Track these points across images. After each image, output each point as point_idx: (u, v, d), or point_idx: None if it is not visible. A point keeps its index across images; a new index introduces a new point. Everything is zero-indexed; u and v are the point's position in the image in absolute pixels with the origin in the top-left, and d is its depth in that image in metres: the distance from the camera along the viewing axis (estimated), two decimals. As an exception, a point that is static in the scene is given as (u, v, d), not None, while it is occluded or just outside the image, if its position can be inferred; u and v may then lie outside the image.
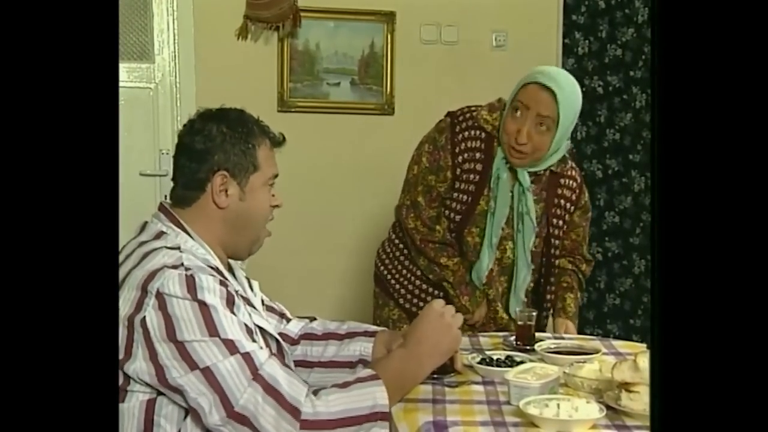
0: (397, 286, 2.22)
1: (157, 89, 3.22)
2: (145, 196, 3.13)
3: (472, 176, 2.07)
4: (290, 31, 3.20)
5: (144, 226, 1.48)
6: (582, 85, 3.38)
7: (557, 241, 2.15)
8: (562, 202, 2.14)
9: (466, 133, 2.08)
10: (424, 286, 2.17)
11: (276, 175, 1.55)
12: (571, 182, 2.16)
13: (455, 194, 2.09)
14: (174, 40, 3.21)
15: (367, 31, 3.31)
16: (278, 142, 1.56)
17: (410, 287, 2.19)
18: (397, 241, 2.25)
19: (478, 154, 2.07)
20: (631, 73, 3.36)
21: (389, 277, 2.24)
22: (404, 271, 2.21)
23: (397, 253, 2.24)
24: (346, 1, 3.26)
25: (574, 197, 2.16)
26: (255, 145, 1.48)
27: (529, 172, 2.06)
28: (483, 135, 2.07)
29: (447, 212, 2.12)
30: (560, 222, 2.15)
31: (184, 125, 1.50)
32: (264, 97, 3.22)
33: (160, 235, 1.44)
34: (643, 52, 3.31)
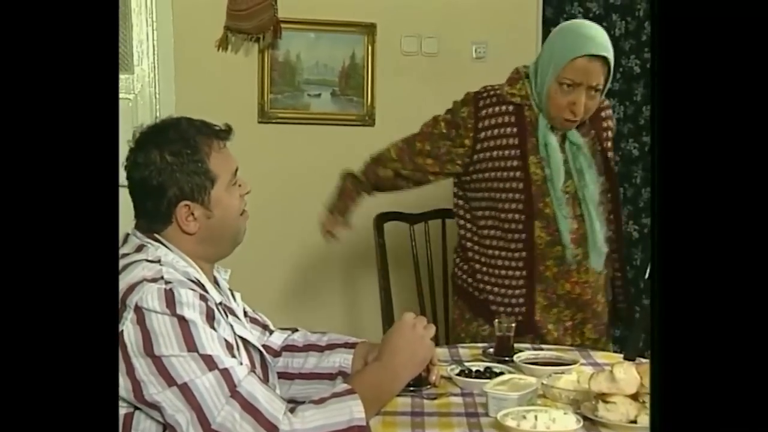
0: (491, 296, 2.15)
1: (136, 100, 3.21)
2: (123, 208, 3.11)
3: (512, 152, 2.07)
4: (271, 42, 3.20)
5: (126, 238, 1.46)
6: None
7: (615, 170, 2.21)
8: (608, 134, 2.20)
9: (490, 110, 2.10)
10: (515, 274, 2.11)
11: (236, 169, 1.48)
12: (608, 111, 2.24)
13: (498, 173, 2.07)
14: (153, 50, 3.19)
15: (347, 42, 3.31)
16: (225, 136, 1.48)
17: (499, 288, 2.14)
18: (469, 244, 2.19)
19: (509, 129, 2.08)
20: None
21: (474, 291, 2.19)
22: (486, 277, 2.16)
23: (477, 257, 2.17)
24: (326, 13, 3.27)
25: (612, 124, 2.25)
26: (204, 158, 1.43)
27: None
28: (511, 108, 2.09)
29: (510, 200, 2.07)
30: (611, 152, 2.19)
31: (127, 156, 1.43)
32: (244, 108, 3.21)
33: (141, 248, 1.43)
34: (620, 64, 3.34)
